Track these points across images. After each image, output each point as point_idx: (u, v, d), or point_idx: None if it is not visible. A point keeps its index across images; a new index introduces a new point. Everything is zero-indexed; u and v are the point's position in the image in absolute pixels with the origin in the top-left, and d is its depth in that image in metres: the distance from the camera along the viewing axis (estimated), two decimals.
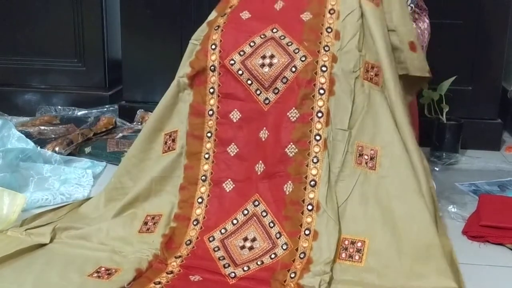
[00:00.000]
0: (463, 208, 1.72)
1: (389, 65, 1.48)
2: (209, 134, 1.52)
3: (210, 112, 1.51)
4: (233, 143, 1.50)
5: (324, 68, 1.45)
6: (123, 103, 2.67)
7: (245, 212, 1.46)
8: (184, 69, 1.56)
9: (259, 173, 1.47)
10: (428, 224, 1.37)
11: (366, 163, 1.43)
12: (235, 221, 1.46)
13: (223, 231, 1.45)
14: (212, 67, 1.52)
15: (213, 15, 1.62)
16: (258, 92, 1.48)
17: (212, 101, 1.51)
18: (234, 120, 1.50)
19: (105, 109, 2.64)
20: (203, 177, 1.51)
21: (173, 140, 1.55)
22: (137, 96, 2.65)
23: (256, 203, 1.46)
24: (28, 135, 2.20)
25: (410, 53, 1.57)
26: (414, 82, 1.64)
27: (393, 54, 1.53)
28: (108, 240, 1.49)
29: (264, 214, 1.44)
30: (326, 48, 1.46)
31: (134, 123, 2.54)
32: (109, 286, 1.28)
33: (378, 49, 1.48)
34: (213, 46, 1.52)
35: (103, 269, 1.37)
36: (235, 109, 1.50)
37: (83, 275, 1.34)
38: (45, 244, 1.48)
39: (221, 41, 1.53)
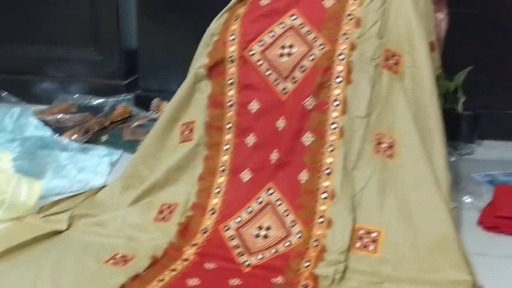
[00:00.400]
0: (479, 198, 1.71)
1: (426, 58, 1.46)
2: (228, 125, 1.51)
3: (230, 103, 1.51)
4: (251, 134, 1.50)
5: (341, 57, 1.43)
6: (139, 92, 2.68)
7: (259, 200, 1.46)
8: (202, 59, 1.55)
9: (273, 161, 1.47)
10: (444, 216, 1.35)
11: (384, 151, 1.41)
12: (249, 210, 1.46)
13: (238, 220, 1.45)
14: (230, 58, 1.51)
15: (233, 2, 1.60)
16: (276, 82, 1.47)
17: (231, 92, 1.51)
18: (253, 111, 1.49)
19: (121, 98, 2.65)
20: (222, 168, 1.51)
21: (191, 131, 1.56)
22: (153, 85, 2.65)
23: (271, 191, 1.46)
24: (46, 123, 2.22)
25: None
26: None
27: None
28: (124, 227, 1.50)
29: (279, 202, 1.44)
30: (345, 37, 1.45)
31: (150, 112, 2.54)
32: (125, 272, 1.29)
33: (415, 43, 1.46)
34: (232, 37, 1.51)
35: (119, 256, 1.38)
36: (254, 100, 1.49)
37: (99, 261, 1.36)
38: (62, 231, 1.50)
39: (240, 32, 1.52)
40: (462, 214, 1.64)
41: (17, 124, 2.09)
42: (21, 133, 2.05)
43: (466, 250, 1.41)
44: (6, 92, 2.71)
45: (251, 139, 1.50)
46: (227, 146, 1.51)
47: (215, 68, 1.53)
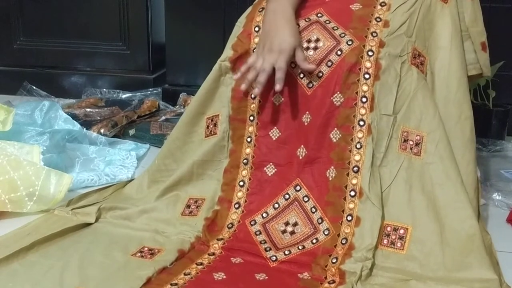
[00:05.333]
0: (508, 196, 1.70)
1: (450, 65, 1.46)
2: (251, 118, 1.51)
3: (253, 96, 1.50)
4: (275, 127, 1.49)
5: (370, 53, 1.41)
6: (166, 86, 2.70)
7: (286, 196, 1.46)
8: (227, 52, 1.54)
9: (300, 157, 1.46)
10: (470, 215, 1.34)
11: (411, 148, 1.40)
12: (276, 205, 1.46)
13: (264, 215, 1.45)
14: (255, 49, 1.50)
15: None
16: (301, 75, 1.45)
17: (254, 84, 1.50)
18: (277, 104, 1.48)
19: (149, 92, 2.68)
20: (245, 161, 1.51)
21: (215, 125, 1.56)
22: (180, 79, 2.67)
23: (298, 187, 1.45)
24: (74, 117, 2.24)
25: (482, 54, 1.55)
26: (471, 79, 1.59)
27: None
28: (151, 221, 1.51)
29: (306, 199, 1.44)
30: (374, 34, 1.42)
31: (177, 106, 2.57)
32: (152, 265, 1.30)
33: (440, 50, 1.46)
34: (257, 28, 1.50)
35: (146, 249, 1.39)
36: (278, 93, 1.48)
37: (126, 254, 1.37)
38: (90, 224, 1.51)
39: None
40: (491, 211, 1.63)
41: (46, 117, 2.11)
42: (50, 126, 2.08)
43: (494, 249, 1.40)
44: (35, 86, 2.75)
45: (274, 133, 1.49)
46: (250, 139, 1.51)
47: (240, 60, 1.51)
